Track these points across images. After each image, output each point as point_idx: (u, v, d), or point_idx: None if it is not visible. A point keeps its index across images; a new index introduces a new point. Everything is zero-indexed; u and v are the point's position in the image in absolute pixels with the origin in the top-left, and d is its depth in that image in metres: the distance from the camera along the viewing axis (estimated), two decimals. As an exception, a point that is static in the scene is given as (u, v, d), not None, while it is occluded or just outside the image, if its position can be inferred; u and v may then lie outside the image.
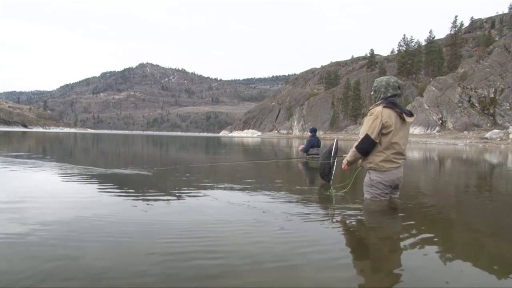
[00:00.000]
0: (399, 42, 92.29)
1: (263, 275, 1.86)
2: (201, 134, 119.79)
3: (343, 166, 3.77)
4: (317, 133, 9.66)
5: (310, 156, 9.06)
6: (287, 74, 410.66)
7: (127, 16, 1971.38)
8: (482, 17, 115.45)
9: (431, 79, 68.90)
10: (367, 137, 3.37)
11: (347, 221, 3.05)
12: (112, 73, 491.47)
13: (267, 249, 2.25)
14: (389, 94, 3.46)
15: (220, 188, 4.66)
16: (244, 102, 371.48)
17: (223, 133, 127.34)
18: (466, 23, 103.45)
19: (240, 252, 2.18)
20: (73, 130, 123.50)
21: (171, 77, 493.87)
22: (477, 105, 51.78)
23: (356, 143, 3.50)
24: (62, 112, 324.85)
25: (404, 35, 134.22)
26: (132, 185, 4.90)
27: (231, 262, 2.01)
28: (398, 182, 3.54)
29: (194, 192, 4.33)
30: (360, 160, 3.60)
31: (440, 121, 54.69)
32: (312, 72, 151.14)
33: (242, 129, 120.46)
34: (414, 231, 2.76)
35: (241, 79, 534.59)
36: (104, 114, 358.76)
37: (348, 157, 3.63)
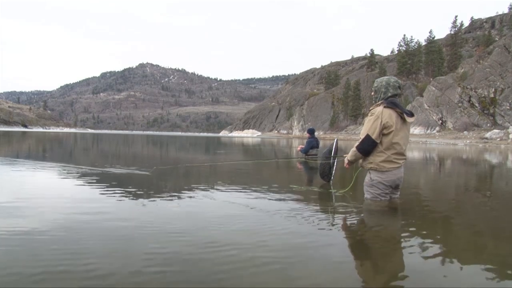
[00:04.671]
0: (399, 42, 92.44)
1: (263, 276, 1.85)
2: (201, 134, 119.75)
3: (345, 165, 3.79)
4: (316, 133, 9.67)
5: (309, 156, 9.06)
6: (287, 74, 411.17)
7: (127, 16, 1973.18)
8: (482, 17, 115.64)
9: (431, 79, 68.88)
10: (368, 137, 3.37)
11: (347, 221, 3.05)
12: (112, 73, 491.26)
13: (266, 250, 2.25)
14: (389, 94, 3.46)
15: (219, 188, 4.65)
16: (244, 102, 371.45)
17: (223, 133, 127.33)
18: (466, 23, 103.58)
19: (239, 253, 2.18)
20: (73, 130, 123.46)
21: (171, 77, 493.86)
22: (477, 105, 51.78)
23: (356, 143, 3.50)
24: (62, 112, 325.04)
25: (404, 35, 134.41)
26: (132, 185, 4.89)
27: (230, 263, 2.01)
28: (399, 182, 3.54)
29: (192, 192, 4.33)
30: (360, 160, 3.61)
31: (440, 121, 54.69)
32: (312, 72, 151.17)
33: (242, 129, 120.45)
34: (414, 231, 2.75)
35: (241, 79, 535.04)
36: (104, 114, 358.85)
37: (349, 156, 3.64)
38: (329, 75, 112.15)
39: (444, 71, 72.50)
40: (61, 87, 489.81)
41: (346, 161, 3.73)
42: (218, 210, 3.36)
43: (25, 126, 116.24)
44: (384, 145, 3.38)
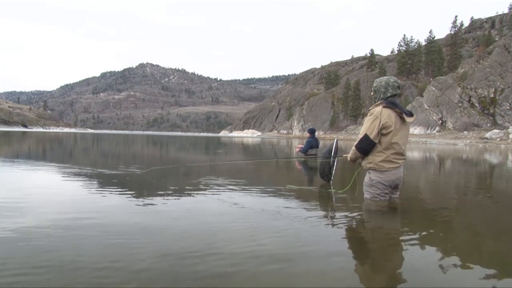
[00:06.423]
0: (399, 42, 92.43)
1: (263, 276, 1.85)
2: (201, 134, 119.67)
3: (348, 161, 3.78)
4: (316, 133, 9.65)
5: (309, 156, 9.05)
6: (287, 74, 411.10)
7: (127, 16, 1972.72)
8: (482, 17, 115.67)
9: (431, 79, 68.87)
10: (365, 137, 3.38)
11: (347, 221, 3.04)
12: (112, 73, 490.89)
13: (266, 250, 2.24)
14: (389, 94, 3.46)
15: (218, 188, 4.65)
16: (244, 102, 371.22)
17: (223, 133, 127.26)
18: (466, 23, 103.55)
19: (239, 253, 2.17)
20: (73, 130, 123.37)
21: (171, 77, 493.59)
22: (477, 105, 51.77)
23: (355, 142, 3.52)
24: (62, 112, 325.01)
25: (404, 35, 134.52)
26: (131, 186, 4.89)
27: (230, 263, 2.00)
28: (398, 182, 3.54)
29: (191, 192, 4.32)
30: (360, 160, 3.61)
31: (440, 121, 54.67)
32: (312, 72, 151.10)
33: (242, 129, 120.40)
34: (414, 231, 2.75)
35: (241, 79, 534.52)
36: (104, 114, 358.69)
37: (350, 154, 3.68)
38: (329, 75, 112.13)
39: (444, 71, 72.47)
40: (61, 87, 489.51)
41: (348, 158, 3.74)
42: (214, 213, 3.35)
43: (25, 126, 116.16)
44: (383, 145, 3.38)
